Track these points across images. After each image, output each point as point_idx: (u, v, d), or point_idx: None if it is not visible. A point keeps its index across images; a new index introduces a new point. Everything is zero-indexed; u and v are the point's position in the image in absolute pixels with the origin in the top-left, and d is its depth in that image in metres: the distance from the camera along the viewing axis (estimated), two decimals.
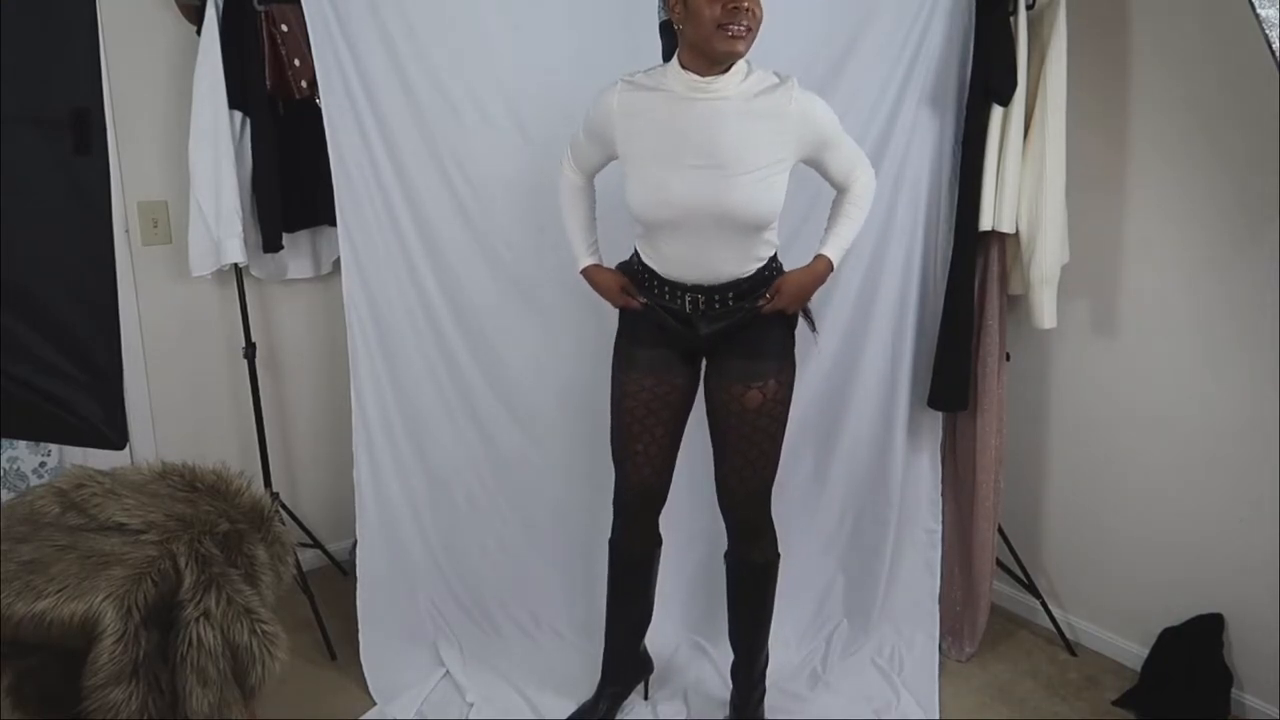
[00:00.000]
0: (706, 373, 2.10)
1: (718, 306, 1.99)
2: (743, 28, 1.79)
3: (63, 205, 1.75)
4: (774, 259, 2.03)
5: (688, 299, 2.00)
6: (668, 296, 2.01)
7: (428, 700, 2.37)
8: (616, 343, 2.14)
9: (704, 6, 1.79)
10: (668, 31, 2.09)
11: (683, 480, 2.20)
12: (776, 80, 1.91)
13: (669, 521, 2.24)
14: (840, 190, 2.06)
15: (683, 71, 1.88)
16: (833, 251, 2.02)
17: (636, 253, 2.06)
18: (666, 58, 2.01)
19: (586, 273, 2.13)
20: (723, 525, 2.18)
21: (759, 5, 1.82)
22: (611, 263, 2.15)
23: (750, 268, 1.98)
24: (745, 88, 1.89)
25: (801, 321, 2.13)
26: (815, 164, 2.00)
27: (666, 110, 1.90)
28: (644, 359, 2.07)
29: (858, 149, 2.04)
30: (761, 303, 1.99)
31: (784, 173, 1.91)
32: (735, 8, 1.77)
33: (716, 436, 2.10)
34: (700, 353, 2.09)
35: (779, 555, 2.19)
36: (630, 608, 2.27)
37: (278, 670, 1.67)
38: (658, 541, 2.24)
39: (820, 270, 2.02)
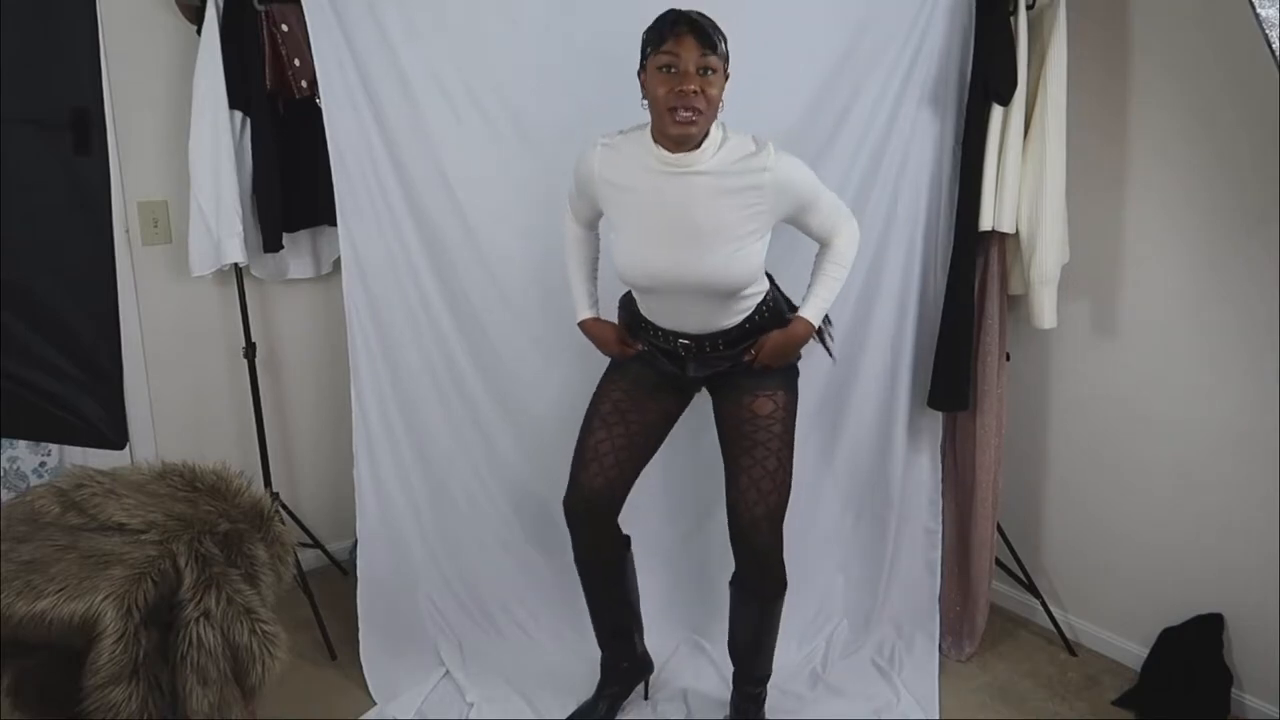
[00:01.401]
0: (714, 398, 2.11)
1: (709, 350, 2.01)
2: (692, 112, 1.76)
3: (63, 205, 1.75)
4: (766, 298, 2.02)
5: (680, 343, 2.02)
6: (661, 338, 2.04)
7: (428, 700, 2.37)
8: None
9: (657, 88, 1.78)
10: None
11: (683, 480, 2.20)
12: (753, 148, 1.87)
13: (670, 522, 2.24)
14: (822, 246, 2.04)
15: (655, 147, 1.87)
16: (811, 314, 2.01)
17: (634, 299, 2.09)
18: None
19: (584, 325, 2.14)
20: (722, 521, 2.14)
21: (713, 86, 1.79)
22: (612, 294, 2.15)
23: (739, 318, 1.99)
24: (719, 160, 1.85)
25: (816, 345, 2.13)
26: (796, 224, 1.99)
27: (643, 183, 1.90)
28: (632, 372, 2.10)
29: (838, 204, 2.02)
30: (746, 359, 2.00)
31: (762, 239, 1.91)
32: (681, 91, 1.75)
33: (729, 453, 2.06)
34: (693, 388, 2.10)
35: (786, 584, 2.13)
36: (611, 614, 2.26)
37: (278, 670, 1.68)
38: (624, 543, 2.20)
39: (799, 333, 2.00)
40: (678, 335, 2.01)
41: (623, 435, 2.07)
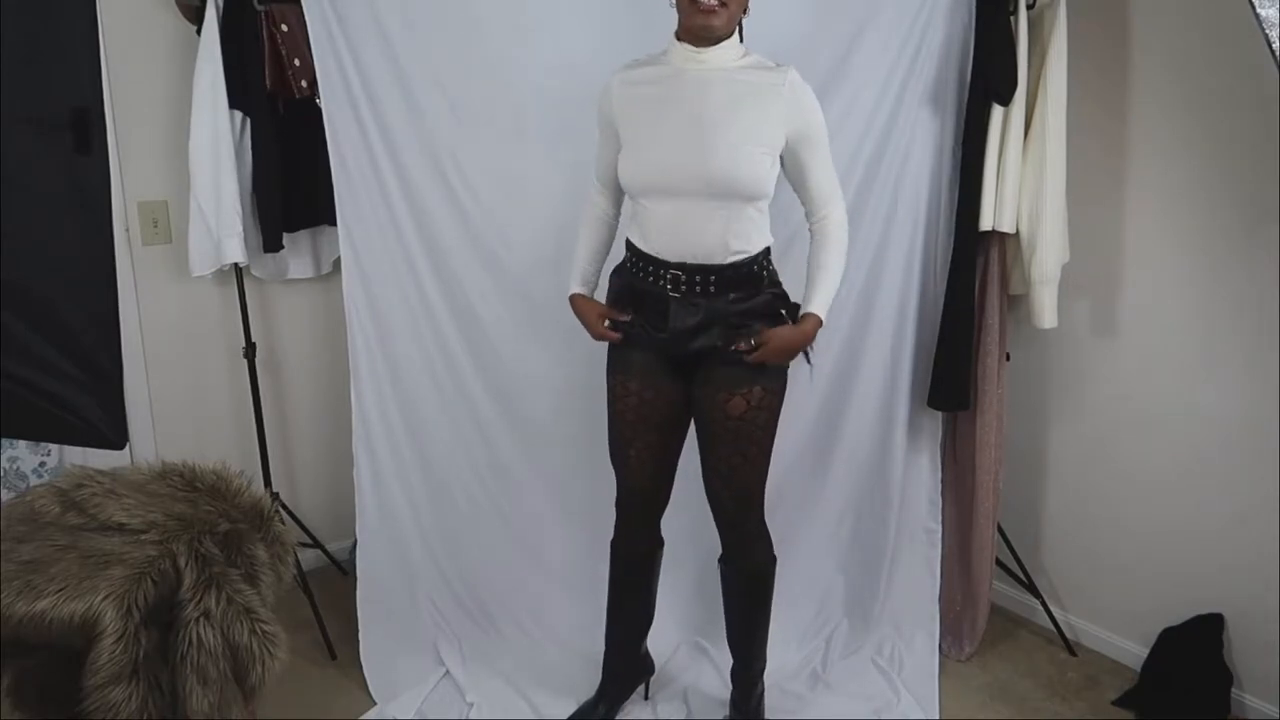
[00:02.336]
0: (695, 379, 2.06)
1: (698, 290, 1.95)
2: (714, 2, 1.81)
3: (63, 205, 1.75)
4: (765, 257, 1.99)
5: (668, 277, 1.96)
6: (651, 279, 1.98)
7: (428, 700, 2.37)
8: (610, 346, 2.13)
9: None
10: None
11: (686, 481, 2.19)
12: (774, 65, 1.94)
13: (672, 523, 2.24)
14: (815, 221, 2.02)
15: (678, 43, 1.93)
16: (820, 308, 1.98)
17: (628, 246, 2.05)
18: None
19: (572, 300, 2.14)
20: None
21: None
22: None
23: (736, 251, 1.93)
24: (740, 64, 1.93)
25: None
26: (796, 163, 1.96)
27: (662, 79, 1.95)
28: (636, 365, 2.06)
29: (837, 179, 2.02)
30: (743, 346, 1.95)
31: (768, 151, 1.90)
32: None
33: (702, 441, 2.09)
34: (687, 363, 2.05)
35: (774, 560, 2.18)
36: (630, 608, 2.27)
37: (278, 670, 1.68)
38: (659, 543, 2.24)
39: (810, 331, 1.98)
40: (670, 267, 1.96)
41: (654, 442, 2.10)
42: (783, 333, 1.97)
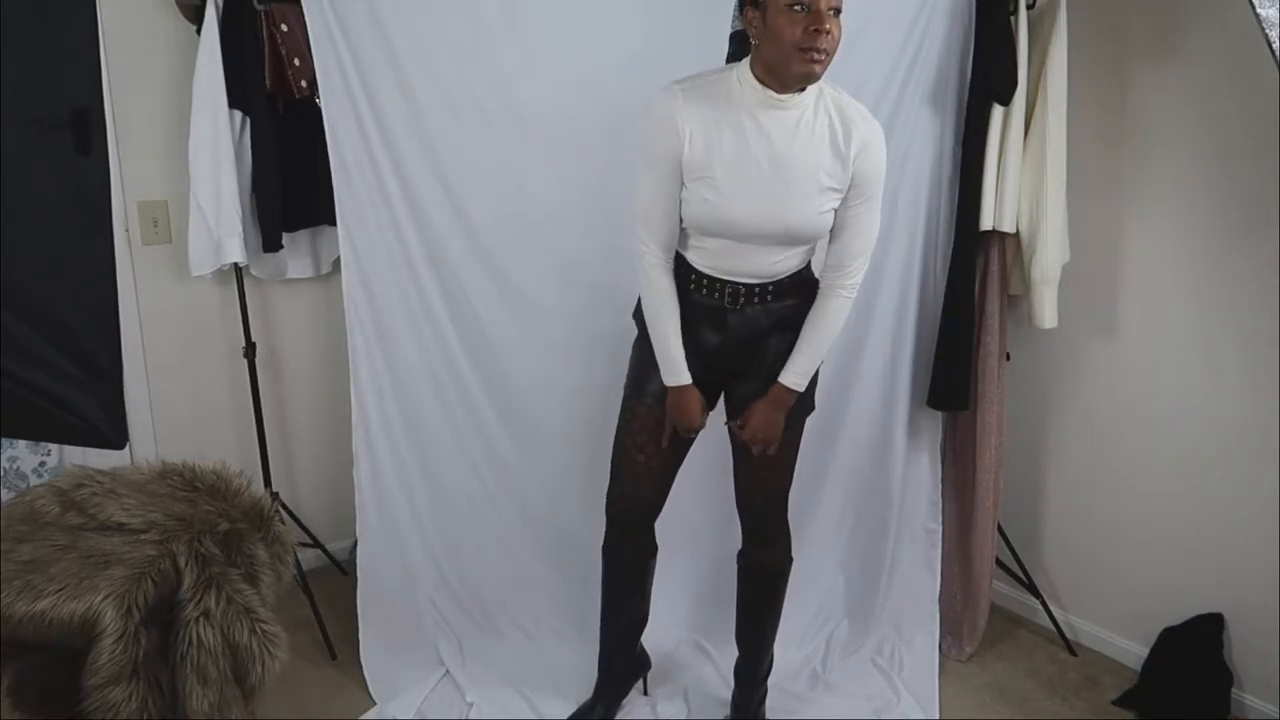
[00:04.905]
0: (726, 401, 2.10)
1: (756, 300, 1.96)
2: (823, 54, 1.74)
3: (63, 205, 1.74)
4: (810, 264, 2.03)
5: (727, 292, 1.96)
6: (704, 292, 1.98)
7: (428, 700, 2.37)
8: (632, 365, 2.11)
9: (785, 28, 1.71)
10: (737, 40, 2.01)
11: (690, 482, 2.20)
12: (849, 98, 1.90)
13: (676, 523, 2.23)
14: (830, 277, 1.97)
15: (758, 85, 1.82)
16: (793, 380, 1.97)
17: (677, 259, 2.01)
18: (732, 62, 1.96)
19: (679, 389, 2.00)
20: (729, 527, 2.19)
21: (839, 27, 1.75)
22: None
23: (790, 269, 1.97)
24: (822, 100, 1.85)
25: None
26: (842, 210, 1.91)
27: (739, 122, 1.83)
28: (656, 389, 2.05)
29: (875, 238, 1.96)
30: (742, 431, 2.02)
31: (839, 196, 1.88)
32: (818, 30, 1.70)
33: (733, 448, 2.10)
34: (724, 379, 2.06)
35: (790, 560, 2.19)
36: (624, 613, 2.26)
37: (278, 670, 1.68)
38: (653, 550, 2.23)
39: (783, 401, 1.99)
40: (726, 284, 1.95)
41: (656, 455, 2.10)
42: (756, 416, 2.00)
